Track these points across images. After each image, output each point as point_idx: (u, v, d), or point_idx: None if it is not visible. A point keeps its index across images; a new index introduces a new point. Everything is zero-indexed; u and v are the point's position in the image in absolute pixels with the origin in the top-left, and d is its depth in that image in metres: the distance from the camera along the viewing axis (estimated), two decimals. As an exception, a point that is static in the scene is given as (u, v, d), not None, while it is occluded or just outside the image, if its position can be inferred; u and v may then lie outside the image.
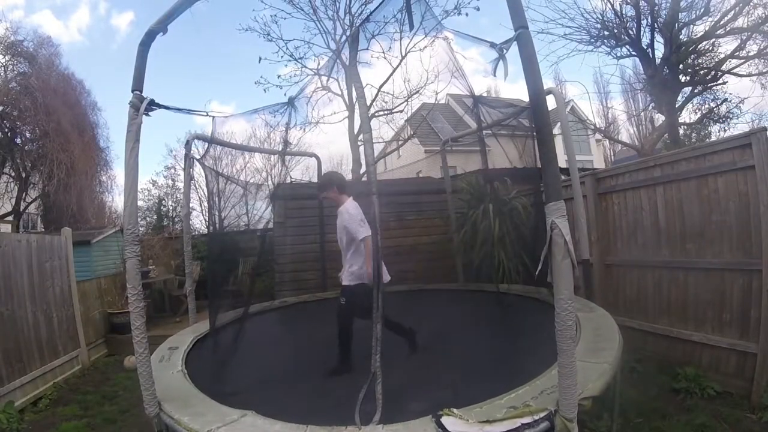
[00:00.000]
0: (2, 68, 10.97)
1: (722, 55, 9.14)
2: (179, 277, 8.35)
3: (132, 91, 2.17)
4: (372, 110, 9.68)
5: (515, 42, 1.72)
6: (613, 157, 22.19)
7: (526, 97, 1.74)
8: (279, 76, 9.90)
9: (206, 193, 4.77)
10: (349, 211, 3.09)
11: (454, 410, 1.79)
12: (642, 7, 8.77)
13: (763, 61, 9.21)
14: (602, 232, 4.49)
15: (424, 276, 5.78)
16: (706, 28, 8.64)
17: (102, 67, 32.32)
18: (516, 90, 35.39)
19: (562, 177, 4.45)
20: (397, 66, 9.15)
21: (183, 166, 3.88)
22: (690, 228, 3.62)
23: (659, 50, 9.10)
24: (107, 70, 32.28)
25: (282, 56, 9.34)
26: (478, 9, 8.55)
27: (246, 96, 37.66)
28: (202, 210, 11.53)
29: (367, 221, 2.98)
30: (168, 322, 7.25)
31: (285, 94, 9.44)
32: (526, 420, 1.68)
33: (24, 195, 11.86)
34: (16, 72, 11.18)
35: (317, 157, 6.29)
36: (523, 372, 2.17)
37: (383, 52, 8.80)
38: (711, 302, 3.43)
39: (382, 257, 2.54)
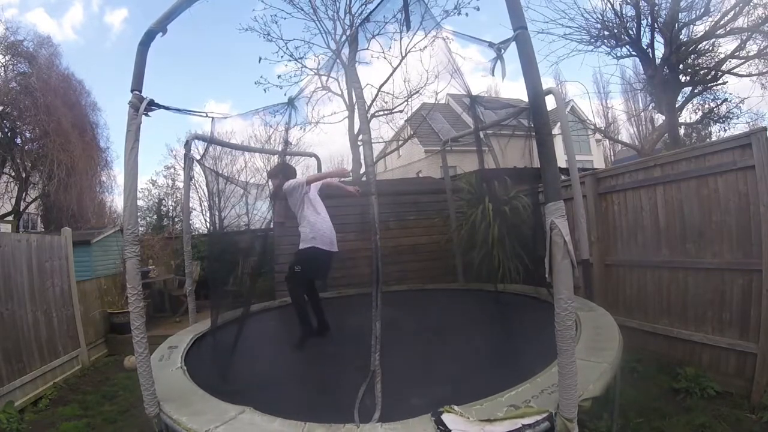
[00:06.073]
0: (2, 68, 10.98)
1: (722, 55, 9.18)
2: (179, 277, 8.34)
3: (131, 91, 2.17)
4: (372, 110, 9.68)
5: (514, 41, 1.72)
6: (613, 157, 22.24)
7: (526, 97, 1.74)
8: (279, 76, 9.90)
9: (206, 193, 4.78)
10: (289, 182, 3.53)
11: (455, 407, 1.78)
12: (642, 7, 8.78)
13: (763, 61, 9.22)
14: (602, 232, 4.49)
15: (424, 276, 5.78)
16: (706, 28, 8.65)
17: (97, 65, 32.28)
18: (517, 88, 35.40)
19: (562, 177, 4.46)
20: (397, 66, 9.17)
21: (183, 165, 3.88)
22: (690, 228, 3.62)
23: (659, 50, 9.13)
24: (102, 69, 32.27)
25: (282, 56, 9.36)
26: (478, 9, 8.58)
27: (242, 94, 37.82)
28: (202, 210, 11.52)
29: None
30: (168, 322, 7.24)
31: (285, 94, 9.46)
32: (527, 420, 1.67)
33: (24, 195, 11.86)
34: (16, 72, 11.20)
35: (317, 157, 6.28)
36: (523, 370, 2.17)
37: (383, 52, 8.82)
38: (711, 302, 3.43)
39: (381, 256, 2.54)
